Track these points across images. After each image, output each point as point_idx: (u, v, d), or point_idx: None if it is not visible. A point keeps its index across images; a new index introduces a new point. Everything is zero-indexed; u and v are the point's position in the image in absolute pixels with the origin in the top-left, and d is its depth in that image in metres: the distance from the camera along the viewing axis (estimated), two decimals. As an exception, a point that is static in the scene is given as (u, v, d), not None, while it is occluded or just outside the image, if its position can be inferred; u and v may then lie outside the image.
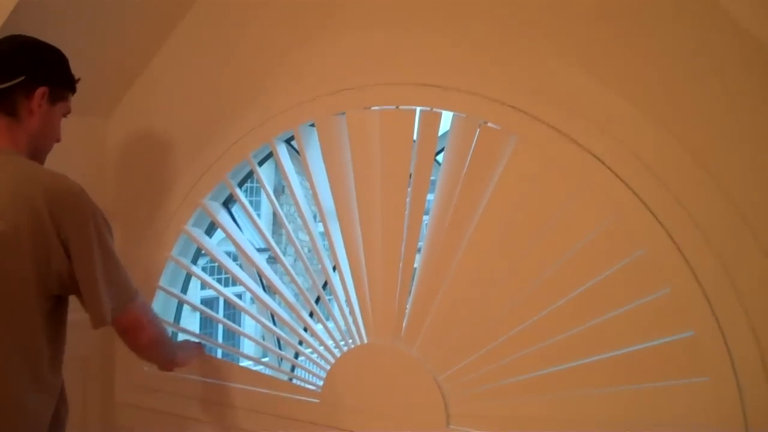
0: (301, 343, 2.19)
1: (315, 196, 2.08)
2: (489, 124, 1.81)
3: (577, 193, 1.73)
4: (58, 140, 1.75)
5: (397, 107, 1.93)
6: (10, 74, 1.61)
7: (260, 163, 2.24)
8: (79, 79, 1.76)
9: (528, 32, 1.76)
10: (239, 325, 2.40)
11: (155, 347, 1.80)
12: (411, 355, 1.95)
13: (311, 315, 2.19)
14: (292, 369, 2.26)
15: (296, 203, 2.09)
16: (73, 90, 1.75)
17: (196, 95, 2.26)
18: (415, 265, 1.94)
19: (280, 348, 2.30)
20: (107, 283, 1.59)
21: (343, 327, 2.07)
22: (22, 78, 1.61)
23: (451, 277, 1.88)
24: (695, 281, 1.61)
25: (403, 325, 1.96)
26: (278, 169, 2.12)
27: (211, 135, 2.20)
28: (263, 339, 2.36)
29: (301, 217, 2.08)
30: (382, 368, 2.00)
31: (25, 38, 1.70)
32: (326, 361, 2.09)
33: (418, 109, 1.89)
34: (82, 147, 2.29)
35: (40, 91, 1.64)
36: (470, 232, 1.84)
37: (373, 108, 1.96)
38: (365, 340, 2.03)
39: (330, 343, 2.10)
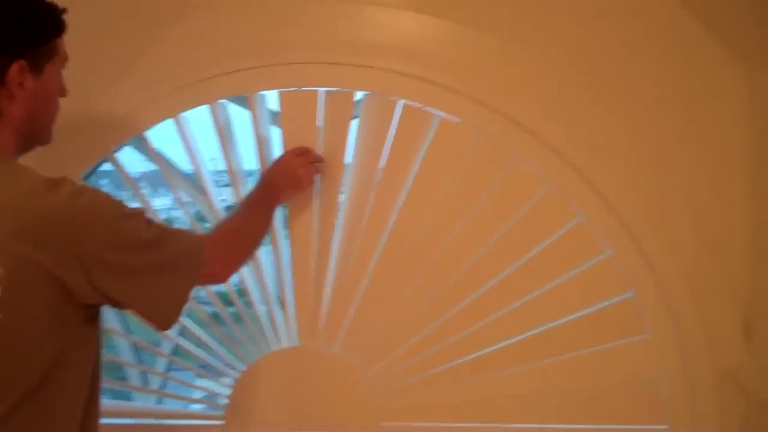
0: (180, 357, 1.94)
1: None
2: (408, 103, 1.69)
3: (505, 171, 1.68)
4: (63, 95, 1.30)
5: (298, 88, 1.72)
6: None
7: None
8: (64, 10, 1.25)
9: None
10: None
11: (240, 264, 1.51)
12: (333, 354, 1.79)
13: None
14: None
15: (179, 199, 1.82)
16: (61, 32, 1.26)
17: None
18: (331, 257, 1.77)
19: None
20: (164, 281, 1.24)
21: (245, 333, 1.84)
22: None
23: (372, 266, 1.75)
24: (632, 242, 1.66)
25: (322, 323, 1.79)
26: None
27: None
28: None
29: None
30: (302, 372, 1.82)
31: None
32: (229, 376, 1.86)
33: (322, 89, 1.70)
34: None
35: (15, 68, 1.17)
36: (393, 218, 1.72)
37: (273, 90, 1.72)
38: (274, 347, 1.83)
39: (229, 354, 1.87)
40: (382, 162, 1.71)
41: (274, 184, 1.63)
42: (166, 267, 1.25)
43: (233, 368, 1.85)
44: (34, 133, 1.25)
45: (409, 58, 1.65)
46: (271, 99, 1.77)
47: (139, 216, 1.23)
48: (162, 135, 1.77)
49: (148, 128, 1.73)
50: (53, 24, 1.24)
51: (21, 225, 1.09)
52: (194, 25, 1.69)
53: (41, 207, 1.11)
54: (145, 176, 1.95)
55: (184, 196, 1.82)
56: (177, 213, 1.84)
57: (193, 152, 1.75)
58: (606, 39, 1.65)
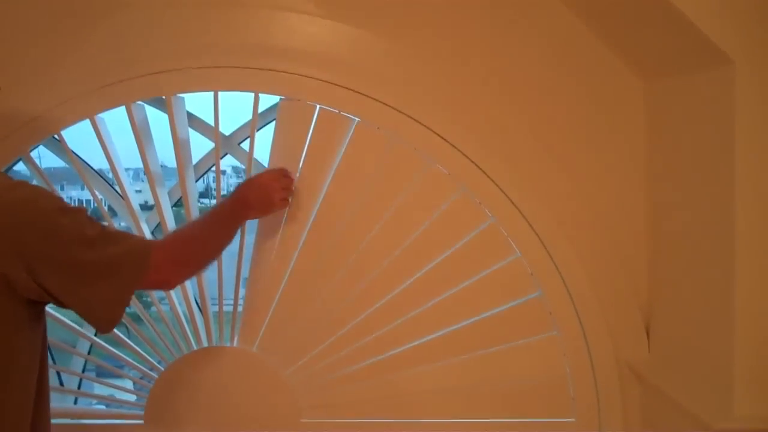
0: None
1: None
2: (324, 107, 1.71)
3: (419, 175, 1.74)
4: None
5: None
6: None
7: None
8: None
9: (363, 14, 1.71)
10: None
11: (192, 272, 1.50)
12: (252, 354, 1.82)
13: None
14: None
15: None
16: None
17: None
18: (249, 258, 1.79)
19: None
20: (103, 281, 1.22)
21: (165, 334, 1.85)
22: None
23: (290, 267, 1.78)
24: (540, 244, 1.73)
25: (240, 323, 1.81)
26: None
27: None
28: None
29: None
30: (221, 372, 1.83)
31: None
32: (147, 376, 1.86)
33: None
34: None
35: None
36: (310, 220, 1.75)
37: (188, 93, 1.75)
38: (194, 346, 1.84)
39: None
40: (300, 165, 1.74)
41: (247, 202, 1.60)
42: (107, 267, 1.23)
43: (152, 368, 1.85)
44: None
45: (323, 64, 1.68)
46: (190, 102, 1.78)
47: (80, 212, 1.22)
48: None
49: (63, 128, 1.72)
50: None
51: None
52: (110, 28, 1.69)
53: None
54: (54, 172, 1.95)
55: (97, 193, 1.83)
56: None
57: (109, 151, 1.75)
58: (515, 53, 1.73)
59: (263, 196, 1.63)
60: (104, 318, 1.25)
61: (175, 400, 1.84)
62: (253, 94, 1.72)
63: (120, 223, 1.93)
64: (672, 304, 1.67)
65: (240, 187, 1.62)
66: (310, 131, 1.71)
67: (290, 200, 1.72)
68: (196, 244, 1.46)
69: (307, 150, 1.72)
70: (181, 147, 1.75)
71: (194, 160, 1.89)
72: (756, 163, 1.35)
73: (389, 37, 1.69)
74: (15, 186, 1.17)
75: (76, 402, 2.02)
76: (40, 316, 1.25)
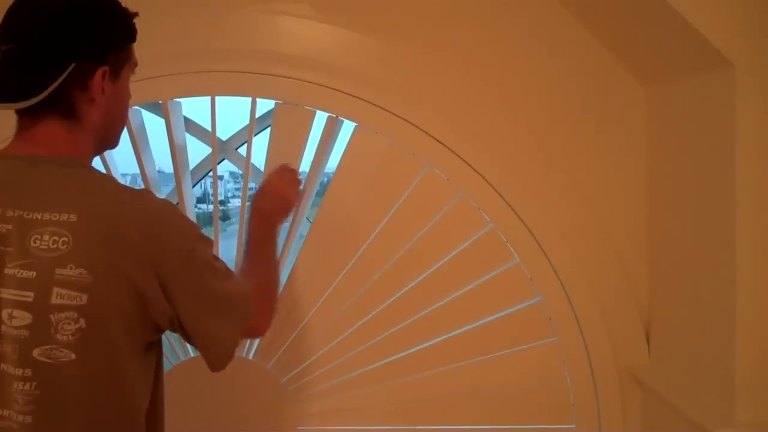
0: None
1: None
2: (322, 112, 1.71)
3: (418, 180, 1.73)
4: (129, 98, 1.28)
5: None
6: (52, 67, 1.11)
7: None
8: (136, 14, 1.23)
9: (362, 18, 1.70)
10: None
11: (274, 313, 1.42)
12: (249, 361, 1.81)
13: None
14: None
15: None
16: (135, 37, 1.23)
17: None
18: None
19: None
20: (223, 317, 1.21)
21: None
22: (72, 67, 1.11)
23: (288, 273, 1.77)
24: (539, 250, 1.72)
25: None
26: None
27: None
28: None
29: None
30: (218, 379, 1.80)
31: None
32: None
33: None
34: None
35: (99, 73, 1.14)
36: (307, 225, 1.74)
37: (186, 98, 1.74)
38: (192, 353, 1.83)
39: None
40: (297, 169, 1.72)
41: (270, 214, 1.58)
42: (228, 303, 1.23)
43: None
44: (108, 136, 1.25)
45: (320, 68, 1.68)
46: (186, 106, 1.77)
47: (211, 244, 1.22)
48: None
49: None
50: (130, 29, 1.23)
51: (112, 233, 1.09)
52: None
53: (129, 214, 1.11)
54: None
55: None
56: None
57: (105, 156, 1.74)
58: (515, 57, 1.73)
59: (280, 200, 1.60)
60: (224, 354, 1.23)
61: (173, 406, 1.82)
62: (250, 99, 1.71)
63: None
64: (672, 309, 1.66)
65: (257, 205, 1.59)
66: (308, 136, 1.70)
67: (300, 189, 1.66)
68: (268, 287, 1.45)
69: (304, 155, 1.71)
70: (177, 152, 1.74)
71: (191, 165, 1.88)
72: (757, 167, 1.35)
73: (388, 41, 1.69)
74: (161, 205, 1.17)
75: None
76: (155, 346, 1.24)
